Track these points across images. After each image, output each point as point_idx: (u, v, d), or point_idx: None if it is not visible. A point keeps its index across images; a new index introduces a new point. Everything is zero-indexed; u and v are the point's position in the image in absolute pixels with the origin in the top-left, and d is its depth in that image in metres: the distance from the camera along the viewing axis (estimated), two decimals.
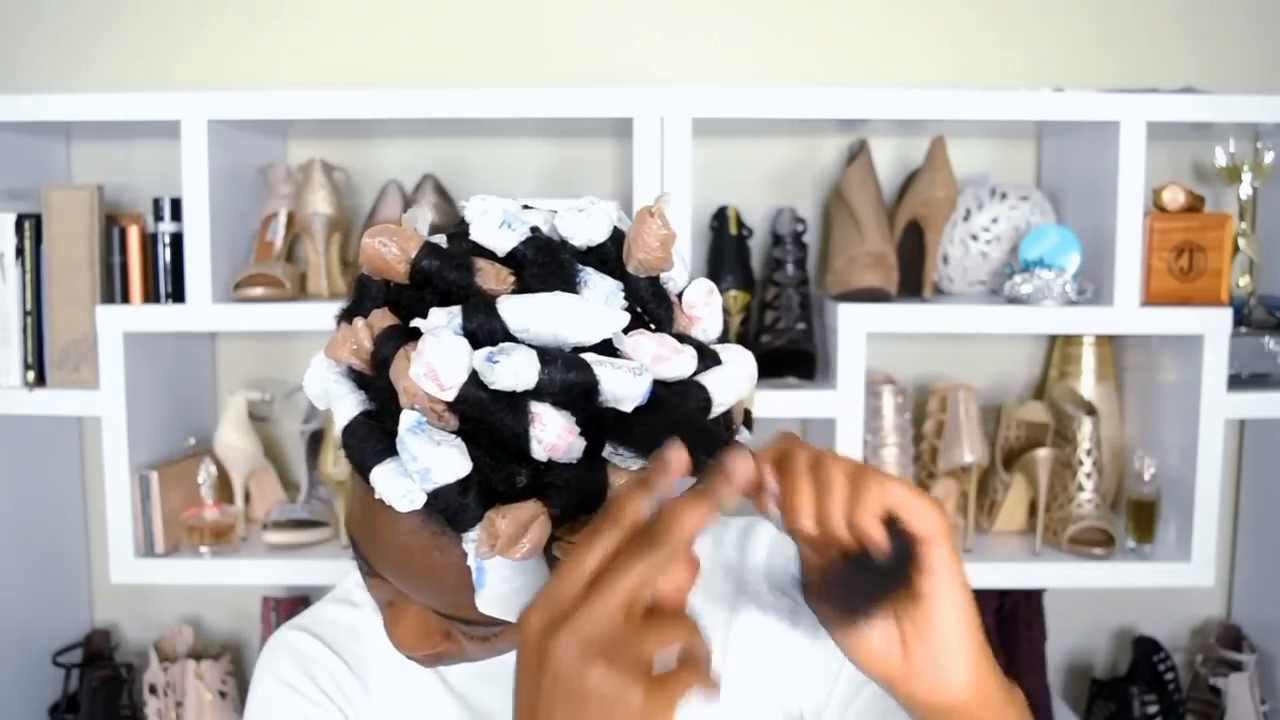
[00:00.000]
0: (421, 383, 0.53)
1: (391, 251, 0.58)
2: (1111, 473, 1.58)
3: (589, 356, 0.54)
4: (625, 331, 0.57)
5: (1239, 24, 1.64)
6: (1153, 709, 1.58)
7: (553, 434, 0.53)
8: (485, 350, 0.53)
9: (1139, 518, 1.46)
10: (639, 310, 0.59)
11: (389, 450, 0.55)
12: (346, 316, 0.61)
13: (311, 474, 1.56)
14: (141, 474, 1.44)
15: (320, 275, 1.50)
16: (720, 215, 1.58)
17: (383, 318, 0.58)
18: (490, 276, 0.58)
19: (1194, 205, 1.43)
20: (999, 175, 1.62)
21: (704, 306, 0.62)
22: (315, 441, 1.56)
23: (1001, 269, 1.52)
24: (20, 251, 1.46)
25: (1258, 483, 1.65)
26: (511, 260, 0.59)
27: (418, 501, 0.54)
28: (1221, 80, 1.60)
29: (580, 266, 0.59)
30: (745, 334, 1.55)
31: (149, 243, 1.48)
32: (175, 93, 1.40)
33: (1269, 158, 1.48)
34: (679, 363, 0.57)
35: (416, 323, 0.56)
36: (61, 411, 1.47)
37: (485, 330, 0.54)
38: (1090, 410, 1.51)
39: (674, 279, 0.62)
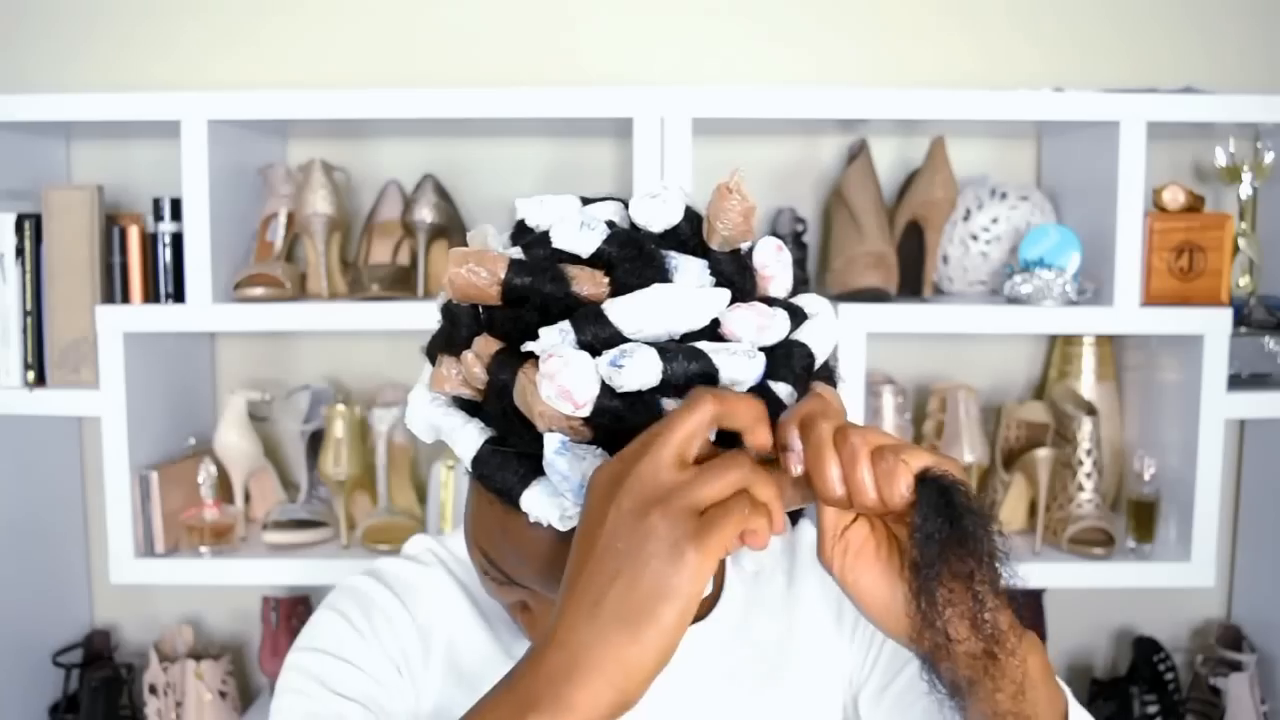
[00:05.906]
0: (556, 404, 0.53)
1: (481, 276, 0.57)
2: (1111, 473, 1.58)
3: (704, 345, 0.55)
4: None
5: (1238, 24, 1.64)
6: (1153, 709, 1.58)
7: None
8: (608, 356, 0.54)
9: (1139, 518, 1.46)
10: (725, 284, 0.60)
11: (531, 473, 0.56)
12: (447, 349, 0.61)
13: (311, 474, 1.56)
14: (141, 474, 1.44)
15: (320, 275, 1.50)
16: None
17: (487, 344, 0.58)
18: (586, 282, 0.57)
19: (1194, 205, 1.43)
20: (999, 175, 1.62)
21: (776, 264, 0.63)
22: (315, 441, 1.56)
23: (1001, 269, 1.52)
24: (20, 251, 1.46)
25: (1258, 483, 1.65)
26: (598, 260, 0.59)
27: (577, 517, 0.55)
28: (1221, 80, 1.60)
29: (666, 253, 0.59)
30: None
31: (149, 243, 1.48)
32: (175, 93, 1.40)
33: (1269, 158, 1.48)
34: (776, 327, 0.58)
35: (529, 346, 0.56)
36: (61, 411, 1.47)
37: (601, 339, 0.55)
38: (1090, 410, 1.51)
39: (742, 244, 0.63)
